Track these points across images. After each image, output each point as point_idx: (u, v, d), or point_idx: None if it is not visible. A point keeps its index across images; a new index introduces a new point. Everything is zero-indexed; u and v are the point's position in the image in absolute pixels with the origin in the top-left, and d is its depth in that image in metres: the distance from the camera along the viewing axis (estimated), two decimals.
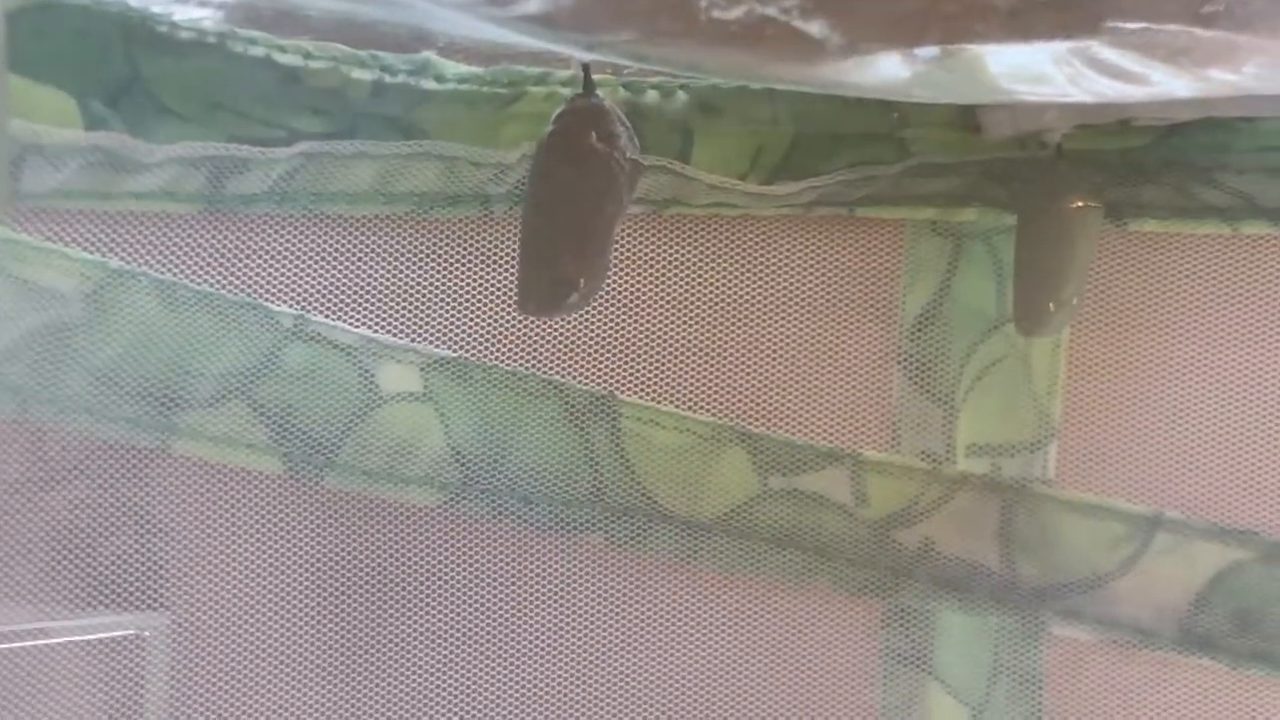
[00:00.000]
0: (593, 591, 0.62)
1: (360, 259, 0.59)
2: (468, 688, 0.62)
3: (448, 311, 0.60)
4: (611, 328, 0.61)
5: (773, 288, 0.63)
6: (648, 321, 0.62)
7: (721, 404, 0.62)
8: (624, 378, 0.62)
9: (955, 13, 0.41)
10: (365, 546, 0.60)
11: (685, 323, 0.62)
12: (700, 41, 0.40)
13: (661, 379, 0.62)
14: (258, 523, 0.59)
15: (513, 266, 0.55)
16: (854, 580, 0.63)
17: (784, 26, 0.39)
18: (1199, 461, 0.63)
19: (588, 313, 0.61)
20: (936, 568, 0.63)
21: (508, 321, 0.60)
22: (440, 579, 0.61)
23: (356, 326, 0.58)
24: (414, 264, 0.59)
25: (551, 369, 0.61)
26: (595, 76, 0.50)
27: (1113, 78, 0.43)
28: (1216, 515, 0.63)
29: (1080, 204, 0.58)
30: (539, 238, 0.48)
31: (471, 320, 0.60)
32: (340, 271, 0.59)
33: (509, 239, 0.59)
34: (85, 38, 0.53)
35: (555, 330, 0.61)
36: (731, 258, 0.62)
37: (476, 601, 0.61)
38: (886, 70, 0.43)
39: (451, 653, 0.61)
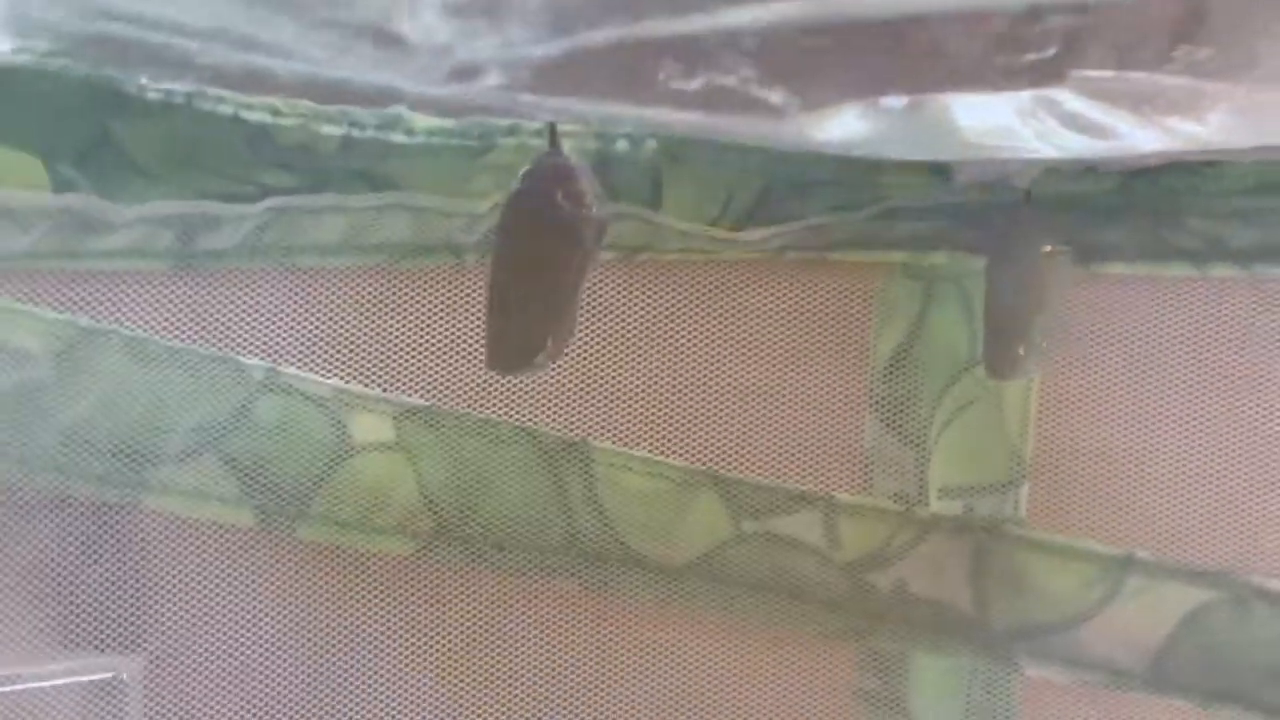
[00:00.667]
0: (567, 637, 0.62)
1: (332, 310, 0.59)
2: None
3: (420, 361, 0.60)
4: (583, 373, 0.62)
5: (744, 331, 0.63)
6: (620, 367, 0.62)
7: (694, 448, 0.63)
8: (596, 423, 0.62)
9: (911, 80, 0.41)
10: (338, 595, 0.60)
11: (657, 367, 0.62)
12: (662, 109, 0.40)
13: (634, 424, 0.62)
14: (232, 568, 0.59)
15: (483, 315, 0.55)
16: (828, 623, 0.63)
17: (743, 95, 0.39)
18: (1169, 502, 0.64)
19: (560, 360, 0.61)
20: (909, 610, 0.63)
21: (480, 370, 0.60)
22: (414, 627, 0.61)
23: (329, 378, 0.59)
24: (386, 314, 0.60)
25: (524, 416, 0.61)
26: (566, 127, 0.50)
27: (1080, 131, 0.44)
28: (1187, 556, 0.63)
29: (1049, 248, 0.58)
30: (506, 298, 0.48)
31: (444, 369, 0.60)
32: (312, 323, 0.59)
33: (480, 288, 0.59)
34: (52, 100, 0.54)
35: (527, 378, 0.61)
36: (703, 302, 0.62)
37: (450, 647, 0.61)
38: (850, 126, 0.43)
39: (425, 701, 0.61)
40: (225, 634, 0.59)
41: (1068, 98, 0.42)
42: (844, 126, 0.43)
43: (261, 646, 0.60)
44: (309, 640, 0.60)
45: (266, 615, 0.60)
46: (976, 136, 0.44)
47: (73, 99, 0.53)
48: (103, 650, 0.58)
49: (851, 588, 0.63)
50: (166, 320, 0.57)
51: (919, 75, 0.41)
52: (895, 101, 0.42)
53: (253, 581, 0.59)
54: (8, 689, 0.56)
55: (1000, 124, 0.44)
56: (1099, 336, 0.64)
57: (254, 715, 0.60)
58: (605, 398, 0.62)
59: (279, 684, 0.60)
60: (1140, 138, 0.44)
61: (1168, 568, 0.63)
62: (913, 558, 0.63)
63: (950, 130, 0.43)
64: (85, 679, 0.57)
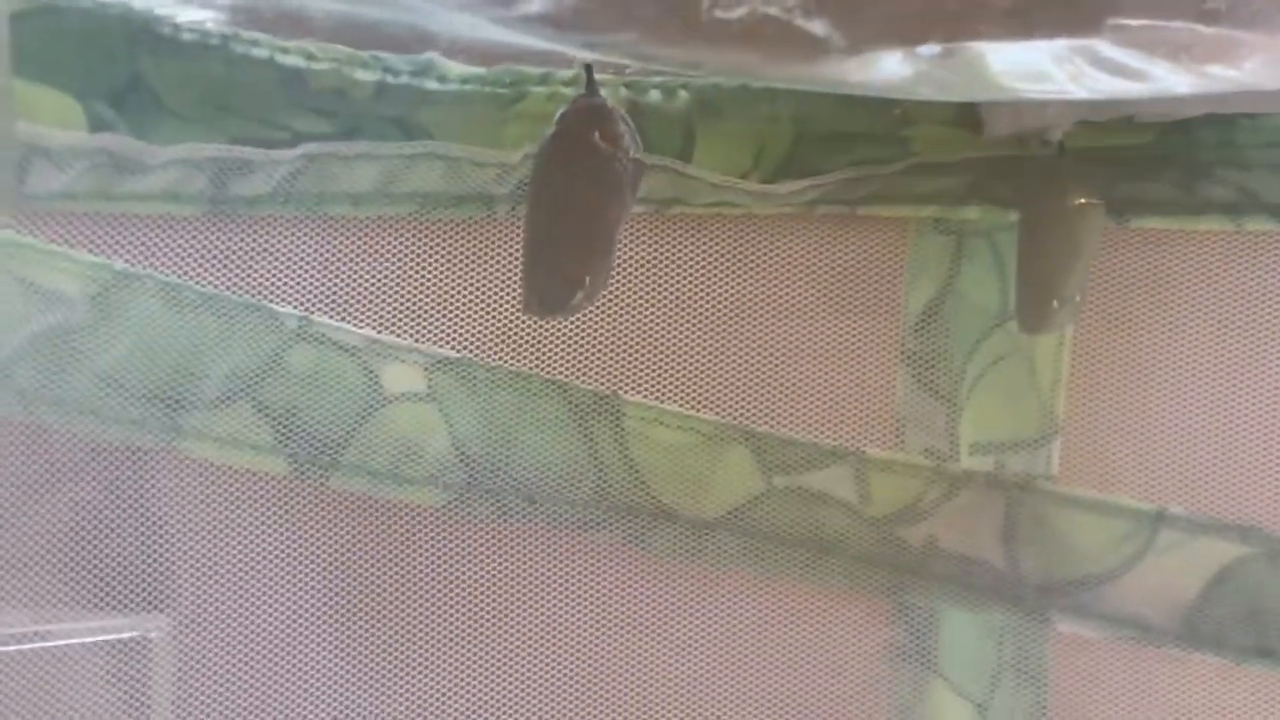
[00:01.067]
0: (598, 590, 0.62)
1: (364, 260, 0.59)
2: (473, 686, 0.62)
3: (451, 312, 0.60)
4: (615, 327, 0.61)
5: (776, 286, 0.63)
6: (651, 321, 0.62)
7: (725, 402, 0.63)
8: (628, 377, 0.62)
9: (957, 11, 0.41)
10: (370, 547, 0.60)
11: (688, 322, 0.62)
12: (703, 41, 0.40)
13: (665, 378, 0.62)
14: (261, 524, 0.59)
15: (516, 266, 0.55)
16: (858, 578, 0.63)
17: (786, 26, 0.39)
18: (1202, 457, 0.64)
19: (591, 312, 0.61)
20: (940, 565, 0.63)
21: (511, 322, 0.60)
22: (445, 578, 0.61)
23: (360, 327, 0.58)
24: (417, 265, 0.60)
25: (555, 369, 0.61)
26: (597, 76, 0.50)
27: (1113, 74, 0.44)
28: (1220, 511, 0.63)
29: (1082, 201, 0.58)
30: (544, 239, 0.48)
31: (475, 320, 0.60)
32: (344, 272, 0.59)
33: (512, 239, 0.59)
34: (88, 40, 0.54)
35: (559, 330, 0.61)
36: (734, 256, 0.62)
37: (481, 600, 0.61)
38: (889, 68, 0.43)
39: (456, 651, 0.61)
40: (253, 591, 0.59)
41: (1103, 45, 0.42)
42: (881, 69, 0.43)
43: (290, 602, 0.60)
44: (339, 592, 0.60)
45: (294, 571, 0.60)
46: (1010, 80, 0.44)
47: (108, 38, 0.53)
48: (130, 610, 0.58)
49: (882, 543, 0.62)
50: (200, 266, 0.57)
51: (962, 9, 0.41)
52: (932, 49, 0.42)
53: (280, 538, 0.59)
54: (36, 645, 0.56)
55: (1034, 67, 0.43)
56: (1132, 290, 0.63)
57: (282, 670, 0.60)
58: (637, 352, 0.62)
59: (307, 637, 0.60)
60: (1175, 81, 0.44)
61: (1200, 523, 0.62)
62: (944, 513, 0.63)
63: (985, 74, 0.43)
64: (113, 637, 0.57)
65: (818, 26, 0.40)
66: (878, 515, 0.62)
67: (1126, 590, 0.63)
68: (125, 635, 0.58)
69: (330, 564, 0.60)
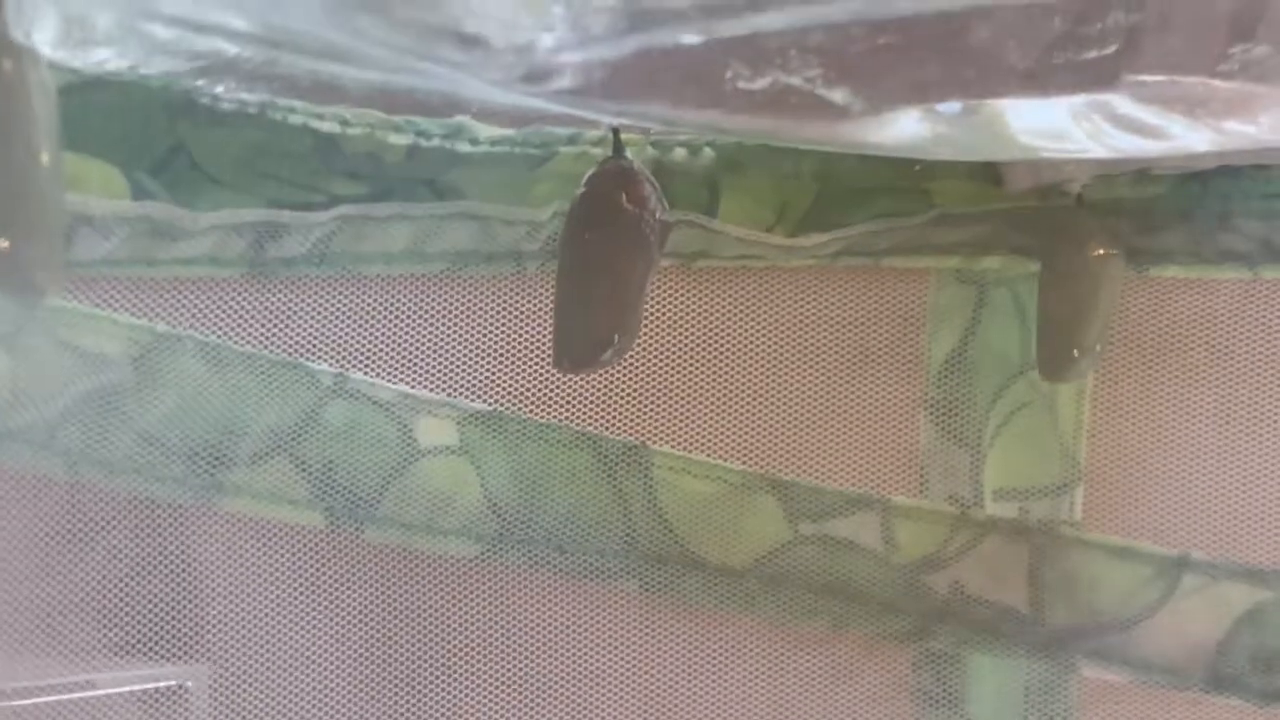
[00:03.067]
0: (628, 639, 0.63)
1: (397, 317, 0.60)
2: None
3: (482, 367, 0.61)
4: (642, 379, 0.62)
5: (800, 337, 0.64)
6: (678, 372, 0.63)
7: (751, 452, 0.63)
8: (655, 428, 0.62)
9: (974, 78, 0.42)
10: (404, 597, 0.61)
11: (715, 372, 0.63)
12: (726, 110, 0.41)
13: (692, 428, 0.63)
14: (298, 575, 0.60)
15: (545, 321, 0.56)
16: (885, 624, 0.63)
17: (808, 95, 0.40)
18: (1224, 503, 0.64)
19: (620, 364, 0.62)
20: (966, 611, 0.63)
21: (541, 375, 0.61)
22: (478, 628, 0.62)
23: (394, 383, 0.60)
24: (449, 321, 0.61)
25: (584, 421, 0.62)
26: (625, 136, 0.51)
27: (1132, 133, 0.44)
28: (1242, 556, 0.64)
29: (1101, 252, 0.59)
30: (573, 297, 0.49)
31: (505, 375, 0.61)
32: (378, 330, 0.60)
33: (541, 295, 0.61)
34: (130, 112, 0.55)
35: (587, 382, 0.62)
36: (759, 308, 0.63)
37: (514, 649, 0.62)
38: (908, 129, 0.44)
39: (490, 699, 0.62)
40: (289, 641, 0.60)
41: (1121, 101, 0.43)
42: (901, 129, 0.44)
43: (326, 652, 0.61)
44: (374, 643, 0.61)
45: (331, 621, 0.60)
46: (1030, 138, 0.45)
47: (150, 110, 0.55)
48: (168, 659, 0.59)
49: (908, 589, 0.63)
50: (239, 326, 0.58)
51: (979, 75, 0.42)
52: (952, 106, 0.43)
53: (315, 589, 0.60)
54: (76, 695, 0.57)
55: (1054, 126, 0.44)
56: (1152, 340, 0.64)
57: (320, 718, 0.61)
58: (664, 403, 0.63)
59: (345, 688, 0.61)
60: (1192, 138, 0.45)
61: (1224, 568, 0.63)
62: (969, 559, 0.63)
63: (1004, 132, 0.44)
64: (151, 686, 0.58)
65: (838, 95, 0.41)
66: (903, 562, 0.63)
67: (1151, 635, 0.63)
68: (163, 684, 0.58)
69: (365, 615, 0.61)
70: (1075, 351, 0.59)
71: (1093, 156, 0.46)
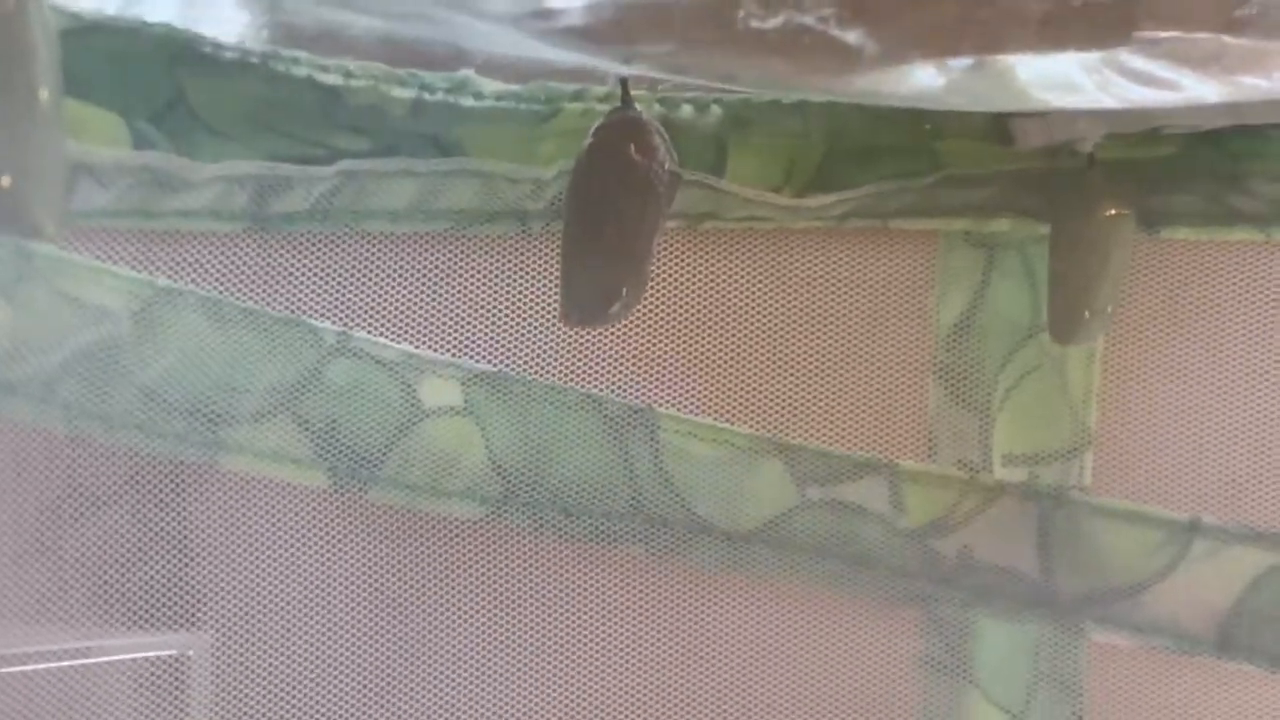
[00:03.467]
0: (634, 602, 0.63)
1: (401, 275, 0.60)
2: (512, 699, 0.62)
3: (487, 327, 0.60)
4: (649, 341, 0.62)
5: (808, 300, 0.63)
6: (684, 335, 0.62)
7: (758, 416, 0.63)
8: (662, 391, 0.62)
9: (989, 20, 0.41)
10: (407, 560, 0.61)
11: (721, 335, 0.62)
12: (738, 51, 0.40)
13: (699, 392, 0.62)
14: (298, 540, 0.60)
15: (550, 282, 0.55)
16: (893, 589, 0.63)
17: (820, 35, 0.40)
18: (1235, 466, 0.64)
19: (625, 327, 0.61)
20: (975, 576, 0.63)
21: (546, 336, 0.61)
22: (483, 592, 0.61)
23: (398, 342, 0.59)
24: (453, 280, 0.60)
25: (590, 383, 0.61)
26: (631, 92, 0.51)
27: (1143, 84, 0.44)
28: (1254, 520, 0.63)
29: (1113, 212, 0.58)
30: (581, 249, 0.48)
31: (510, 335, 0.61)
32: (381, 288, 0.59)
33: (546, 255, 0.60)
34: (131, 59, 0.54)
35: (593, 344, 0.61)
36: (766, 270, 0.63)
37: (519, 613, 0.62)
38: (921, 80, 0.43)
39: (494, 664, 0.62)
40: (290, 606, 0.60)
41: (1132, 56, 0.43)
42: (914, 80, 0.43)
43: (327, 616, 0.60)
44: (378, 606, 0.60)
45: (331, 585, 0.60)
46: (1039, 91, 0.45)
47: (151, 58, 0.54)
48: (168, 627, 0.58)
49: (916, 554, 0.63)
50: (240, 281, 0.58)
51: (995, 18, 0.42)
52: (962, 61, 0.43)
53: (316, 554, 0.60)
54: (76, 663, 0.57)
55: (1065, 78, 0.44)
56: (1163, 302, 0.64)
57: (320, 686, 0.60)
58: (670, 366, 0.62)
59: (348, 653, 0.60)
60: (1205, 91, 0.44)
61: (1234, 532, 0.62)
62: (978, 524, 0.63)
63: (1014, 85, 0.44)
64: (151, 654, 0.58)
65: (852, 36, 0.40)
66: (911, 527, 0.63)
67: (1161, 599, 0.63)
68: (164, 653, 0.58)
69: (367, 578, 0.60)
70: (1086, 313, 0.58)
71: (1103, 108, 0.46)
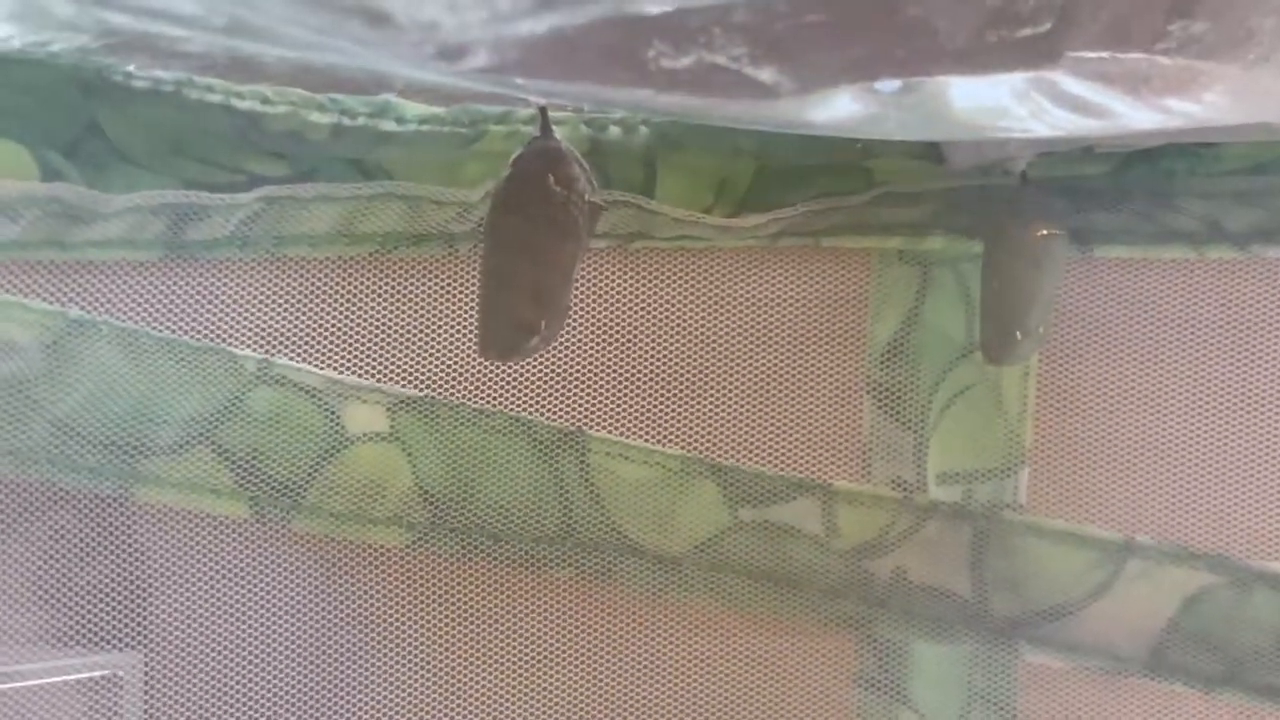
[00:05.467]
0: (565, 627, 0.62)
1: (324, 301, 0.59)
2: None
3: (413, 351, 0.60)
4: (579, 362, 0.61)
5: (740, 319, 0.62)
6: (615, 355, 0.62)
7: (691, 436, 0.62)
8: (592, 412, 0.61)
9: (905, 57, 0.41)
10: (336, 586, 0.60)
11: (653, 355, 0.62)
12: (654, 89, 0.40)
13: (630, 412, 0.62)
14: (229, 563, 0.59)
15: (478, 305, 0.54)
16: (827, 611, 0.63)
17: (734, 74, 0.39)
18: (1169, 485, 0.64)
19: (554, 347, 0.61)
20: (908, 597, 0.63)
21: (474, 360, 0.60)
22: (411, 618, 0.61)
23: (322, 368, 0.58)
24: (379, 304, 0.59)
25: (519, 405, 0.61)
26: (557, 114, 0.50)
27: (1073, 111, 0.43)
28: (1186, 538, 0.63)
29: (1045, 231, 0.58)
30: (498, 283, 0.48)
31: (438, 359, 0.60)
32: (304, 314, 0.59)
33: (474, 277, 0.59)
34: (40, 90, 0.53)
35: (522, 367, 0.61)
36: (698, 289, 0.62)
37: (447, 638, 0.61)
38: (843, 108, 0.43)
39: (423, 689, 0.61)
40: (222, 630, 0.59)
41: (1062, 79, 0.42)
42: (837, 109, 0.43)
43: (259, 641, 0.59)
44: (306, 633, 0.60)
45: (263, 610, 0.59)
46: (970, 116, 0.44)
47: (61, 87, 0.53)
48: (101, 648, 0.58)
49: (850, 575, 0.62)
50: (157, 311, 0.57)
51: (912, 54, 0.41)
52: (889, 85, 0.42)
53: (249, 576, 0.59)
54: (6, 686, 0.56)
55: (995, 104, 0.43)
56: (1097, 320, 0.63)
57: (253, 709, 0.60)
58: (601, 387, 0.62)
59: (277, 677, 0.60)
60: (1135, 117, 0.44)
61: (1168, 552, 0.62)
62: (911, 545, 0.62)
63: (944, 111, 0.43)
64: (84, 676, 0.57)
65: (766, 74, 0.40)
66: (845, 548, 0.62)
67: (1094, 620, 0.63)
68: (96, 674, 0.57)
69: (298, 603, 0.60)
70: (1018, 333, 0.58)
71: (1035, 135, 0.45)
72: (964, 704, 0.64)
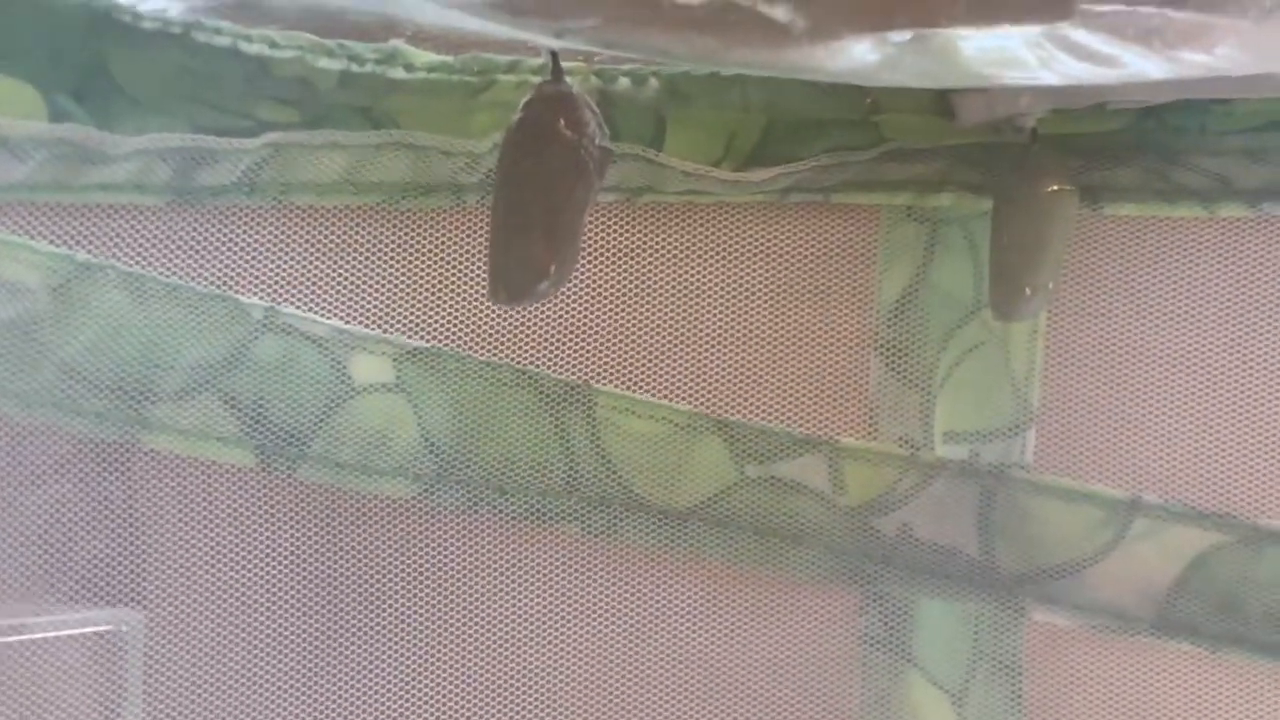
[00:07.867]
0: (569, 582, 0.62)
1: (331, 250, 0.58)
2: (446, 679, 0.61)
3: (420, 302, 0.59)
4: (586, 317, 0.61)
5: (748, 275, 0.62)
6: (622, 310, 0.62)
7: (697, 392, 0.62)
8: (599, 367, 0.61)
9: (916, 5, 0.40)
10: (341, 539, 0.60)
11: (660, 311, 0.62)
12: (665, 27, 0.39)
13: (637, 368, 0.62)
14: (233, 517, 0.59)
15: (485, 256, 0.54)
16: (832, 567, 0.62)
17: (748, 12, 0.39)
18: (1177, 445, 0.63)
19: (561, 302, 0.61)
20: (914, 554, 0.62)
21: (481, 312, 0.60)
22: (416, 571, 0.61)
23: (328, 318, 0.58)
24: (385, 255, 0.59)
25: (526, 359, 0.61)
26: (566, 65, 0.50)
27: (1084, 60, 0.43)
28: (1194, 499, 0.63)
29: (1055, 188, 0.58)
30: (508, 225, 0.47)
31: (444, 311, 0.60)
32: (311, 263, 0.58)
33: (481, 229, 0.59)
34: (49, 29, 0.53)
35: (529, 320, 0.60)
36: (706, 245, 0.62)
37: (453, 591, 0.61)
38: (856, 55, 0.42)
39: (428, 644, 0.61)
40: (225, 584, 0.59)
41: (1075, 31, 0.42)
42: (850, 54, 0.42)
43: (262, 593, 0.59)
44: (310, 588, 0.60)
45: (267, 563, 0.59)
46: (981, 66, 0.44)
47: (69, 28, 0.53)
48: (103, 604, 0.58)
49: (856, 532, 0.62)
50: (164, 256, 0.57)
51: (919, 6, 0.41)
52: (901, 35, 0.42)
53: (252, 531, 0.59)
54: (8, 639, 0.56)
55: (1006, 53, 0.43)
56: (1106, 278, 0.63)
57: (254, 663, 0.60)
58: (608, 341, 0.61)
59: (280, 632, 0.60)
60: (1147, 66, 0.44)
61: (1176, 511, 0.62)
62: (918, 502, 0.62)
63: (956, 59, 0.43)
64: (85, 630, 0.57)
65: (780, 12, 0.39)
66: (851, 504, 0.62)
67: (1101, 578, 0.62)
68: (98, 629, 0.57)
69: (301, 555, 0.60)
70: (1028, 290, 0.57)
71: (1045, 84, 0.45)
72: (970, 662, 0.64)
